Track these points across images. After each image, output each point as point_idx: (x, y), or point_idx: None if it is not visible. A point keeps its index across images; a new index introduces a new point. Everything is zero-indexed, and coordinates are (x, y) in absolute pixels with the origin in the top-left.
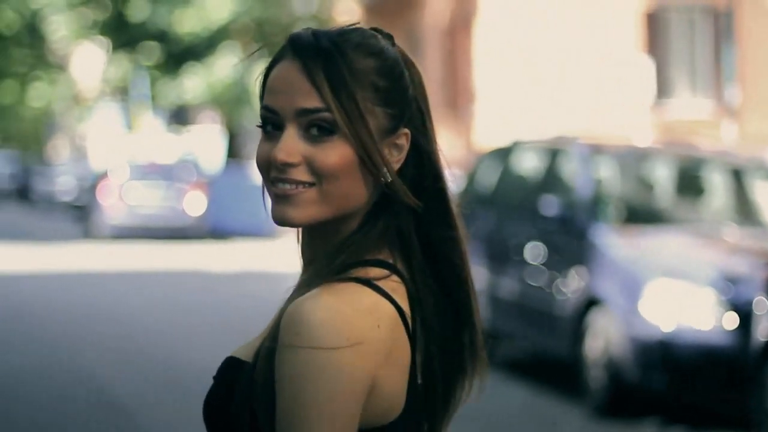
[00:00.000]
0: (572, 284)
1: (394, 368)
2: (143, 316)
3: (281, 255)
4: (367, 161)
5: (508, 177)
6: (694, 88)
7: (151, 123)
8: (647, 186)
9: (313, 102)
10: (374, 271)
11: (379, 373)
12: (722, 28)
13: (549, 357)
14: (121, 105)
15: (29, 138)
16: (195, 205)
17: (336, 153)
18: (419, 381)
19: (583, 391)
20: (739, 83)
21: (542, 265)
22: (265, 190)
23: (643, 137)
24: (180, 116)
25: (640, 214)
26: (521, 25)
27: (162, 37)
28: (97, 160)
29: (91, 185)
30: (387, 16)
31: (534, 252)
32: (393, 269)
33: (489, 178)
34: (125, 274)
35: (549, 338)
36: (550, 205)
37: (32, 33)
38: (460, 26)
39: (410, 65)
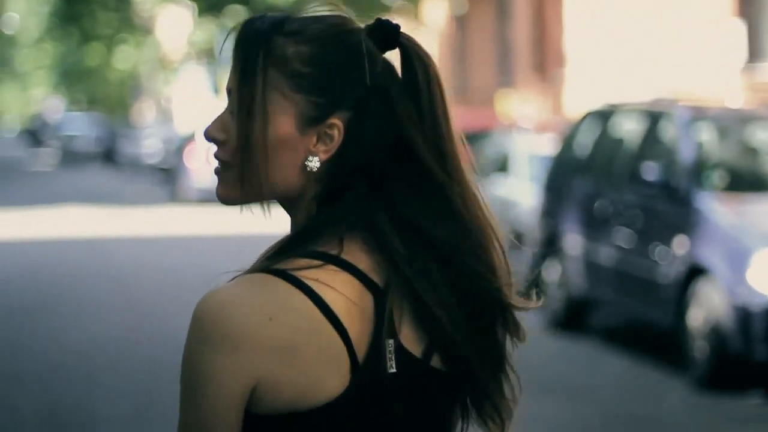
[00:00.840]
0: (675, 252)
1: (296, 358)
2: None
3: None
4: (249, 147)
5: (604, 141)
6: None
7: None
8: (750, 151)
9: (230, 83)
10: (300, 262)
11: (267, 365)
12: None
13: (648, 326)
14: (207, 68)
15: (115, 101)
16: None
17: None
18: (391, 369)
19: (685, 361)
20: None
21: (642, 231)
22: None
23: (735, 100)
24: None
25: (744, 181)
26: None
27: (248, 1)
28: (183, 123)
29: (177, 148)
30: None
31: (633, 218)
32: (331, 260)
33: (585, 143)
34: (212, 238)
35: (649, 307)
36: (650, 171)
37: None
38: None
39: (413, 57)
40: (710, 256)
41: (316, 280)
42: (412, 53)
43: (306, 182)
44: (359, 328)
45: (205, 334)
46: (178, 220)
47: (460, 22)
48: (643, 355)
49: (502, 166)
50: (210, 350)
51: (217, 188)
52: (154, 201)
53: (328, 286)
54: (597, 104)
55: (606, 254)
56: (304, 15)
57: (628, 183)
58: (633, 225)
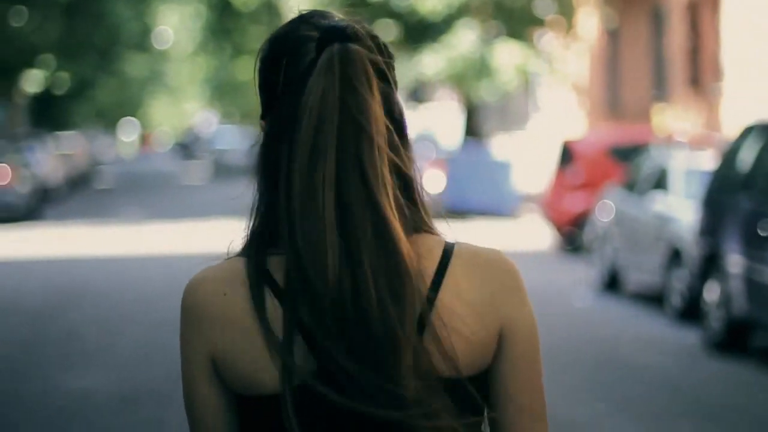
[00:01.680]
0: None
1: (245, 333)
2: None
3: (521, 234)
4: None
5: (766, 156)
6: None
7: None
8: None
9: None
10: (272, 249)
11: (219, 337)
12: None
13: None
14: None
15: None
16: (434, 182)
17: None
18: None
19: None
20: None
21: None
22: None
23: None
24: (417, 93)
25: None
26: None
27: (400, 15)
28: None
29: None
30: None
31: None
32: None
33: (746, 158)
34: None
35: None
36: None
37: (270, 10)
38: None
39: (325, 72)
40: None
41: (274, 265)
42: (319, 62)
43: None
44: None
45: (181, 309)
46: None
47: (613, 36)
48: None
49: (659, 181)
50: (181, 324)
51: None
52: None
53: (281, 272)
54: (756, 118)
55: None
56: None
57: None
58: None
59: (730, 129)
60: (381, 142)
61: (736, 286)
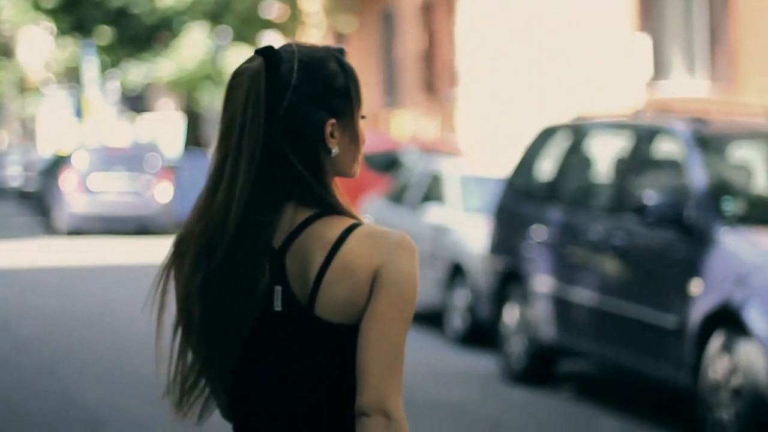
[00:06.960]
0: (689, 296)
1: None
2: (119, 316)
3: None
4: None
5: (576, 162)
6: (691, 68)
7: (102, 108)
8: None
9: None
10: None
11: None
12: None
13: (643, 382)
14: (70, 91)
15: None
16: (161, 193)
17: None
18: (277, 308)
19: (703, 427)
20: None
21: (638, 269)
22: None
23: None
24: (134, 102)
25: (761, 209)
26: (507, 0)
27: (117, 17)
28: (46, 146)
29: (43, 172)
30: None
31: (624, 253)
32: None
33: (548, 165)
34: (89, 269)
35: (648, 360)
36: (648, 198)
37: None
38: (440, 1)
39: None
40: (742, 302)
41: None
42: None
43: None
44: None
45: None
46: (52, 250)
47: (341, 40)
48: (639, 416)
49: (430, 191)
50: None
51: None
52: (22, 229)
53: None
54: (492, 122)
55: (585, 295)
56: None
57: (616, 211)
58: (624, 261)
59: (465, 134)
60: None
61: (542, 309)
